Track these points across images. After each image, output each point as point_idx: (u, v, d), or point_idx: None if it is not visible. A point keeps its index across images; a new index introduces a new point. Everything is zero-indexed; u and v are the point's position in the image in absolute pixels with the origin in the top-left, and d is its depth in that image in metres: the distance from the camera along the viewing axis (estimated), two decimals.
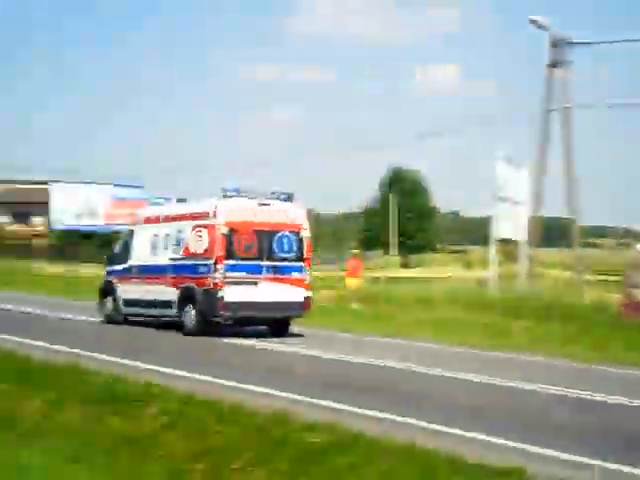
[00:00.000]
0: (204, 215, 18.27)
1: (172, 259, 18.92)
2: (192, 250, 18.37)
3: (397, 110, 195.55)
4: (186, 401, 9.22)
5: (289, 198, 18.96)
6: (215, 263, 17.65)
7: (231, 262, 17.73)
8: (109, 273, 21.32)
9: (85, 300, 26.38)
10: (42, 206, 66.38)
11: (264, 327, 19.06)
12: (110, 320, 20.57)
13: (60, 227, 65.48)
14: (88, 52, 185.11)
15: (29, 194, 72.29)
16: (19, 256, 59.10)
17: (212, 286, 17.65)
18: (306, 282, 18.55)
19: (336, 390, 10.94)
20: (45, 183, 65.78)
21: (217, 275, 17.61)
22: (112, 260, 21.34)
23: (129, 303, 20.34)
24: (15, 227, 76.84)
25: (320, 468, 6.84)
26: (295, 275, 18.44)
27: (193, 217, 18.64)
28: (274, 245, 18.19)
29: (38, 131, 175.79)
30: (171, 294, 18.61)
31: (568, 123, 30.34)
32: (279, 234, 18.29)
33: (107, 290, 21.02)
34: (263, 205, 18.41)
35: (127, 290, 20.35)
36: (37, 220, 75.17)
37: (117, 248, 21.49)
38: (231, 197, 18.23)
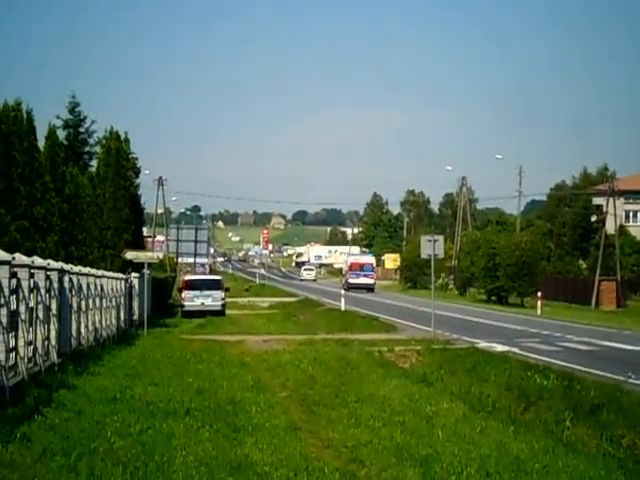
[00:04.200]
0: (347, 261, 66.30)
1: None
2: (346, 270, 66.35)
3: None
4: None
5: (370, 253, 64.46)
6: (347, 273, 65.31)
7: (351, 272, 64.78)
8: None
9: None
10: None
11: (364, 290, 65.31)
12: None
13: None
14: None
15: None
16: None
17: (347, 278, 65.75)
18: (374, 278, 64.24)
19: None
20: None
21: (347, 276, 65.23)
22: None
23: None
24: None
25: None
26: (370, 275, 64.03)
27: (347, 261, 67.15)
28: (364, 268, 64.55)
29: None
30: None
31: None
32: (365, 265, 64.39)
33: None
34: (361, 255, 64.75)
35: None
36: None
37: None
38: (353, 255, 65.16)
